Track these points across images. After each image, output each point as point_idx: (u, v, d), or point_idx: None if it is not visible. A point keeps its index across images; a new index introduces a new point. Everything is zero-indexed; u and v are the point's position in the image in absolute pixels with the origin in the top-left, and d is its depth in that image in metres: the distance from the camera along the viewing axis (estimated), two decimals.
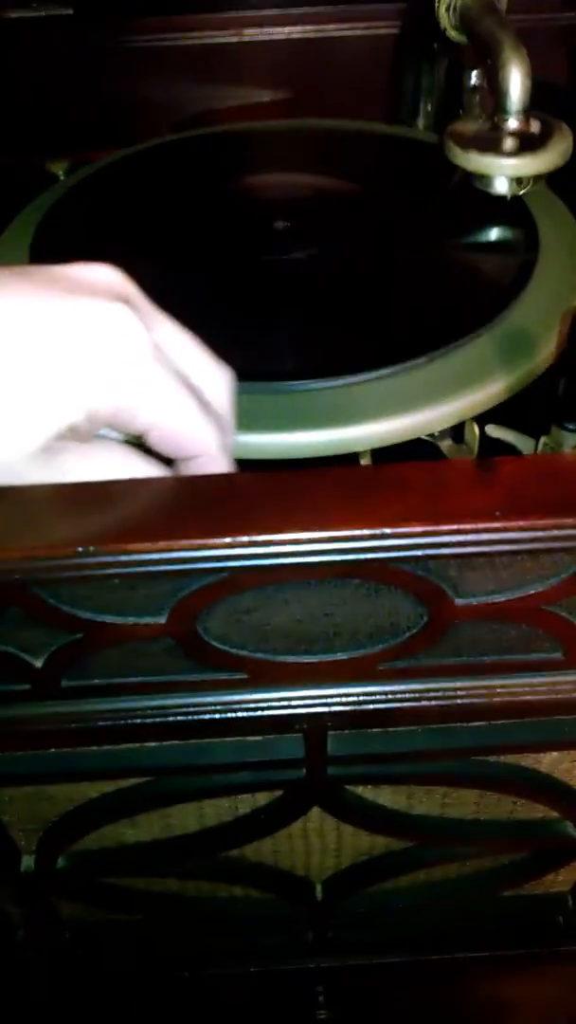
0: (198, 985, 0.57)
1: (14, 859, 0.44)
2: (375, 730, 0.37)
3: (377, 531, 0.26)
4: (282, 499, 0.26)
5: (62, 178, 0.51)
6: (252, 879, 0.47)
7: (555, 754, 0.41)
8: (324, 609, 0.30)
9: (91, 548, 0.25)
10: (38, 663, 0.31)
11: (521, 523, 0.26)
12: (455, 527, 0.26)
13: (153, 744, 0.37)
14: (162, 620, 0.29)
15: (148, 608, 0.29)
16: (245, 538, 0.25)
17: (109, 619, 0.29)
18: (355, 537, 0.26)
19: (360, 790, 0.41)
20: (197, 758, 0.37)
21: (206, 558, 0.26)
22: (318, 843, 0.46)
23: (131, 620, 0.29)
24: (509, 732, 0.37)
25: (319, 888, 0.49)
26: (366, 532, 0.26)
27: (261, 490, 0.26)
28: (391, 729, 0.37)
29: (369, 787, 0.41)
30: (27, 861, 0.44)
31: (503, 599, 0.29)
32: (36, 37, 0.57)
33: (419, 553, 0.26)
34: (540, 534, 0.26)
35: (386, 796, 0.42)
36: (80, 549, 0.25)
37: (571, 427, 0.29)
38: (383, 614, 0.30)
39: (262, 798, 0.41)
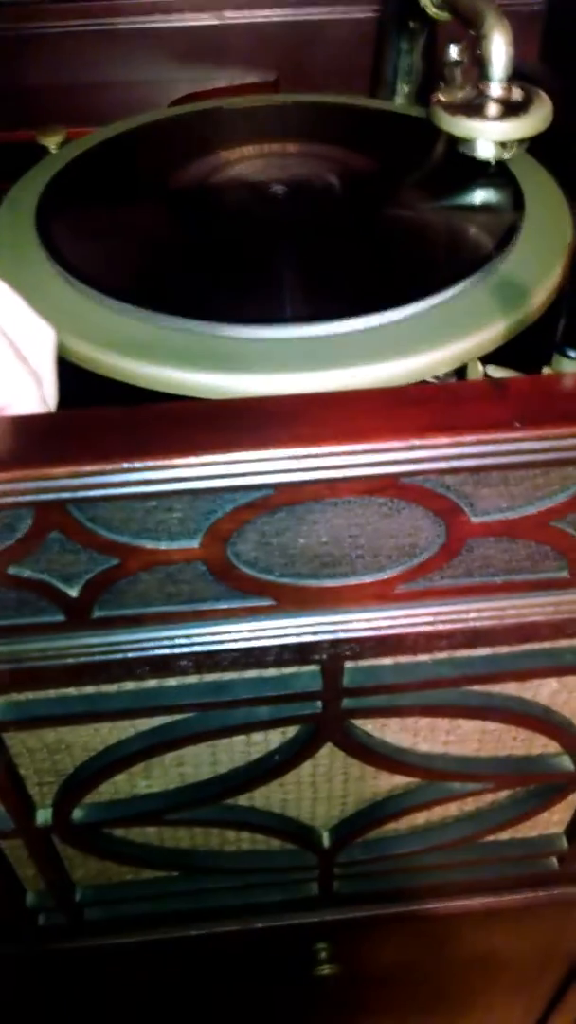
0: (204, 943, 0.58)
1: (30, 812, 0.44)
2: (386, 663, 0.39)
3: (406, 442, 0.27)
4: (317, 411, 0.27)
5: (53, 151, 0.52)
6: (262, 826, 0.48)
7: (554, 685, 0.43)
8: (348, 531, 0.31)
9: (136, 463, 0.27)
10: (73, 592, 0.32)
11: (537, 432, 0.28)
12: (477, 437, 0.28)
13: (174, 683, 0.38)
14: (196, 544, 0.31)
15: (182, 533, 0.30)
16: (283, 451, 0.27)
17: (145, 543, 0.30)
18: (385, 449, 0.27)
19: (369, 727, 0.43)
20: (217, 695, 0.38)
21: (244, 473, 0.27)
22: (325, 789, 0.48)
23: (165, 545, 0.30)
24: (513, 661, 0.39)
25: (326, 836, 0.50)
26: (396, 444, 0.27)
27: (296, 405, 0.28)
28: (401, 661, 0.39)
29: (377, 726, 0.43)
30: (43, 816, 0.45)
31: (515, 515, 0.31)
32: (22, 18, 0.58)
33: (443, 465, 0.28)
34: (554, 443, 0.28)
35: (392, 734, 0.44)
36: (125, 465, 0.27)
37: (572, 354, 0.31)
38: (404, 534, 0.32)
39: (275, 739, 0.43)
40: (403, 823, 0.52)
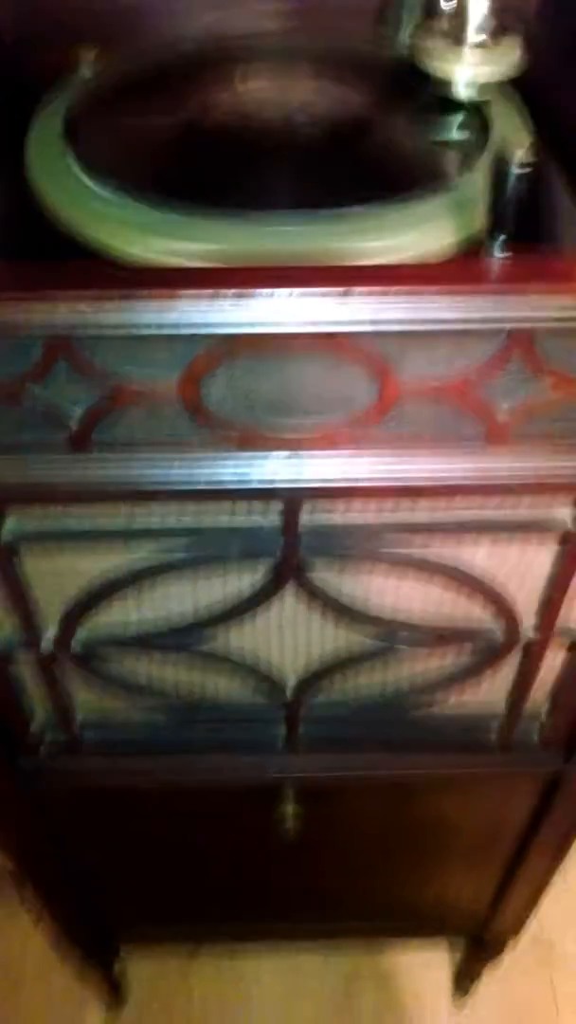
0: (184, 793, 0.67)
1: (38, 633, 0.53)
2: (338, 520, 0.46)
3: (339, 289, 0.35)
4: (273, 274, 0.35)
5: (84, 71, 0.59)
6: (236, 669, 0.56)
7: (483, 554, 0.50)
8: (301, 381, 0.39)
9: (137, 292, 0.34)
10: (74, 418, 0.40)
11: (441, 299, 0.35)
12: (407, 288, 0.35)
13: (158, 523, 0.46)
14: (174, 379, 0.38)
15: (163, 373, 0.38)
16: (241, 301, 0.34)
17: (135, 377, 0.38)
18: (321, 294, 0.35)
19: (325, 577, 0.51)
20: (192, 536, 0.47)
21: (214, 321, 0.35)
22: (291, 639, 0.56)
23: (150, 379, 0.38)
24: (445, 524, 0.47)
25: (291, 681, 0.58)
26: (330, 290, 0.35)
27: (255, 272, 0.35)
28: (352, 519, 0.46)
29: (333, 584, 0.51)
30: (49, 634, 0.53)
31: (437, 378, 0.39)
32: None
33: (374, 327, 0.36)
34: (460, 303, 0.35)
35: (346, 591, 0.52)
36: (125, 292, 0.34)
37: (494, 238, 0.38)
38: (345, 389, 0.39)
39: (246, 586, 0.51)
40: (361, 685, 0.59)
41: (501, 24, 0.53)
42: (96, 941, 0.98)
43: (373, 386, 0.39)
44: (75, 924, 0.92)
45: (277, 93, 0.55)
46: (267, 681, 0.58)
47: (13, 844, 0.76)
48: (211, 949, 1.12)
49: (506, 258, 0.37)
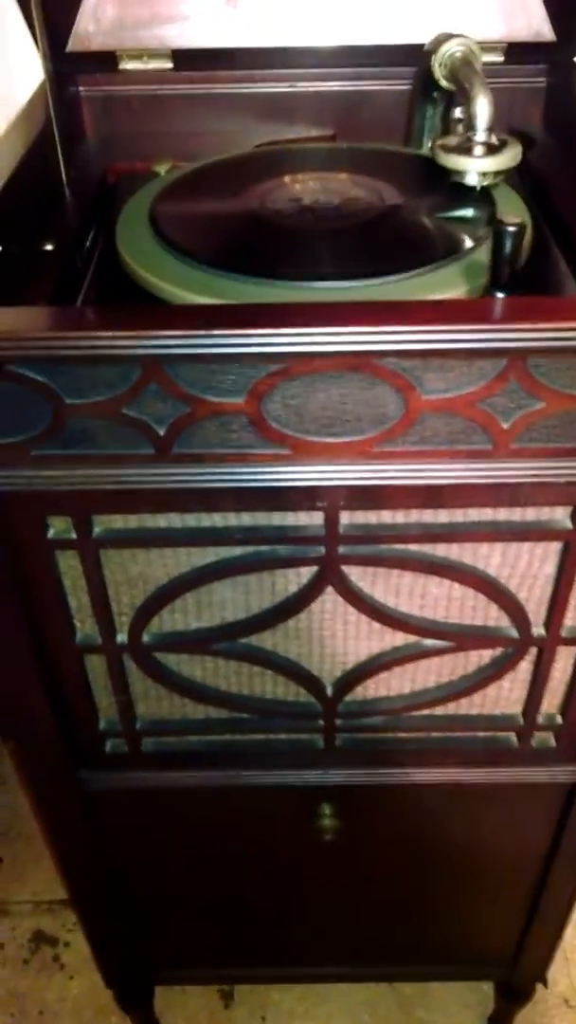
0: (228, 796, 0.73)
1: (113, 632, 0.61)
2: (372, 521, 0.55)
3: (375, 328, 0.44)
4: (323, 311, 0.45)
5: (162, 175, 0.72)
6: (282, 667, 0.64)
7: (498, 559, 0.58)
8: (341, 400, 0.48)
9: (214, 331, 0.44)
10: (161, 431, 0.49)
11: (453, 327, 0.44)
12: (421, 328, 0.44)
13: (221, 523, 0.55)
14: (241, 399, 0.48)
15: (233, 392, 0.48)
16: (299, 330, 0.44)
17: (209, 397, 0.48)
18: (361, 333, 0.44)
19: (360, 584, 0.59)
20: (249, 533, 0.55)
21: (273, 343, 0.45)
22: (330, 646, 0.64)
23: (221, 400, 0.48)
24: (465, 527, 0.55)
25: (329, 687, 0.66)
26: (369, 328, 0.44)
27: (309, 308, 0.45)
28: (384, 519, 0.55)
29: (367, 584, 0.59)
30: (121, 637, 0.62)
31: (450, 395, 0.48)
32: (143, 81, 0.79)
33: (399, 347, 0.45)
34: (468, 336, 0.45)
35: (379, 596, 0.60)
36: (203, 331, 0.44)
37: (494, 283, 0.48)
38: (378, 405, 0.49)
39: (292, 589, 0.59)
40: (392, 687, 0.67)
41: (508, 129, 0.65)
42: (133, 982, 1.02)
43: (400, 402, 0.48)
44: (116, 963, 0.97)
45: (322, 186, 0.67)
46: (308, 680, 0.65)
47: (74, 866, 0.83)
48: (245, 998, 1.14)
49: (505, 298, 0.47)
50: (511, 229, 0.46)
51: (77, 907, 0.93)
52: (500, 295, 0.48)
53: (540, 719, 0.68)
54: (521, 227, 0.46)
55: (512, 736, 0.70)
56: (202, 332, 0.44)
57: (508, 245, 0.46)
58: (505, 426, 0.49)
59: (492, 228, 0.47)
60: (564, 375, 0.48)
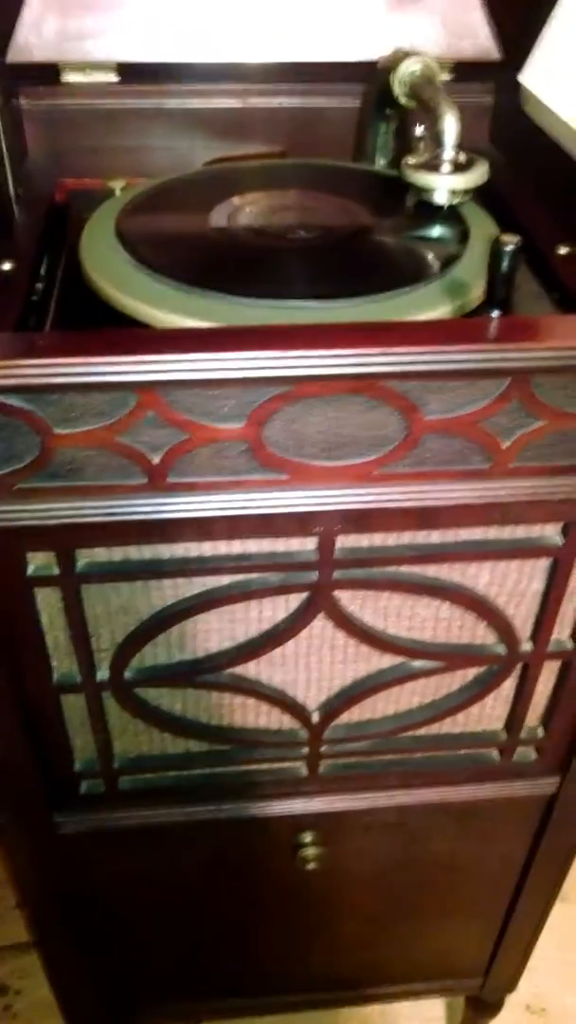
0: (208, 828, 0.71)
1: (93, 669, 0.58)
2: (364, 544, 0.54)
3: (377, 349, 0.43)
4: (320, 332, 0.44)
5: (118, 193, 0.70)
6: (267, 696, 0.62)
7: (487, 577, 0.58)
8: (339, 424, 0.47)
9: (205, 353, 0.42)
10: (156, 459, 0.47)
11: (460, 347, 0.44)
12: (419, 348, 0.44)
13: (209, 554, 0.53)
14: (240, 425, 0.46)
15: (232, 417, 0.46)
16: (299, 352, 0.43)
17: (207, 423, 0.46)
18: (363, 354, 0.43)
19: (351, 609, 0.58)
20: (240, 561, 0.53)
21: (276, 367, 0.43)
22: (316, 670, 0.62)
23: (220, 425, 0.46)
24: (456, 547, 0.55)
25: (316, 714, 0.64)
26: (371, 350, 0.43)
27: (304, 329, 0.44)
28: (376, 543, 0.54)
29: (357, 607, 0.58)
30: (101, 674, 0.59)
31: (453, 416, 0.47)
32: (88, 95, 0.77)
33: (400, 368, 0.44)
34: (466, 357, 0.44)
35: (368, 617, 0.59)
36: (208, 354, 0.42)
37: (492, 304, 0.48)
38: (378, 428, 0.48)
39: (280, 617, 0.58)
40: (378, 710, 0.66)
41: (470, 147, 0.65)
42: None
43: (402, 423, 0.47)
44: (84, 1007, 0.93)
45: (290, 203, 0.66)
46: (294, 707, 0.63)
47: (43, 908, 0.79)
48: None
49: (503, 319, 0.47)
50: (508, 248, 0.46)
51: (42, 948, 0.88)
52: (496, 313, 0.48)
53: (523, 733, 0.68)
54: (519, 245, 0.46)
55: (494, 752, 0.70)
56: (207, 355, 0.42)
57: (506, 263, 0.46)
58: (504, 445, 0.49)
59: (491, 248, 0.46)
60: (561, 394, 0.48)
